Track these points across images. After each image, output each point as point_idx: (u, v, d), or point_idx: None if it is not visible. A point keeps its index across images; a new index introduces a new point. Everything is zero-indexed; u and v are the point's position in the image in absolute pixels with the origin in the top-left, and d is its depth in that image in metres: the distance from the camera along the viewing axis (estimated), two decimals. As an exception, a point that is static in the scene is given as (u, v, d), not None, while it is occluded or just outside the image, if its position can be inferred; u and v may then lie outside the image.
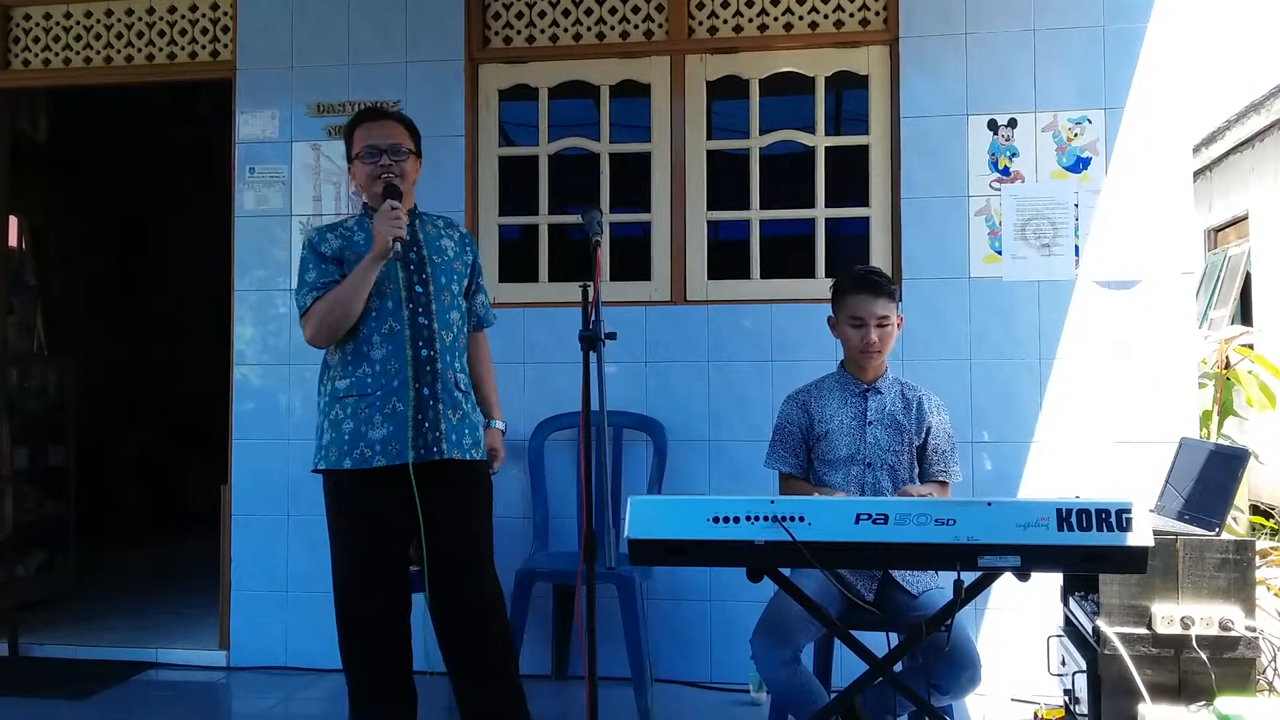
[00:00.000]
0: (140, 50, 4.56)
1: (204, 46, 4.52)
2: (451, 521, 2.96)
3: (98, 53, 4.58)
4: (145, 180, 7.97)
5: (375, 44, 4.30)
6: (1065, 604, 3.16)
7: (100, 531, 6.54)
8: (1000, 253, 3.95)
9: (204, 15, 4.51)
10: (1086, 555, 2.13)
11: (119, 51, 4.57)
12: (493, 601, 3.04)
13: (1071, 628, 3.08)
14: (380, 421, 2.89)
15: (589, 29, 4.30)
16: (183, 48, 4.53)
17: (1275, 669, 2.84)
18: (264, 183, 4.35)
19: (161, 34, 4.54)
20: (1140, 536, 2.11)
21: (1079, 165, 3.92)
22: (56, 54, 4.61)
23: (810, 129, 4.19)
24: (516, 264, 4.35)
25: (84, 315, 7.28)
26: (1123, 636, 2.70)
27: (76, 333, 6.76)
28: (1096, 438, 3.86)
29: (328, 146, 4.30)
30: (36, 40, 4.62)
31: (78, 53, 4.60)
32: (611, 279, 4.21)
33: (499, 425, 3.21)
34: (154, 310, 8.30)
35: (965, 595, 2.24)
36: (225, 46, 4.48)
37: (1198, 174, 8.57)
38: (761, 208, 4.20)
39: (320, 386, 3.03)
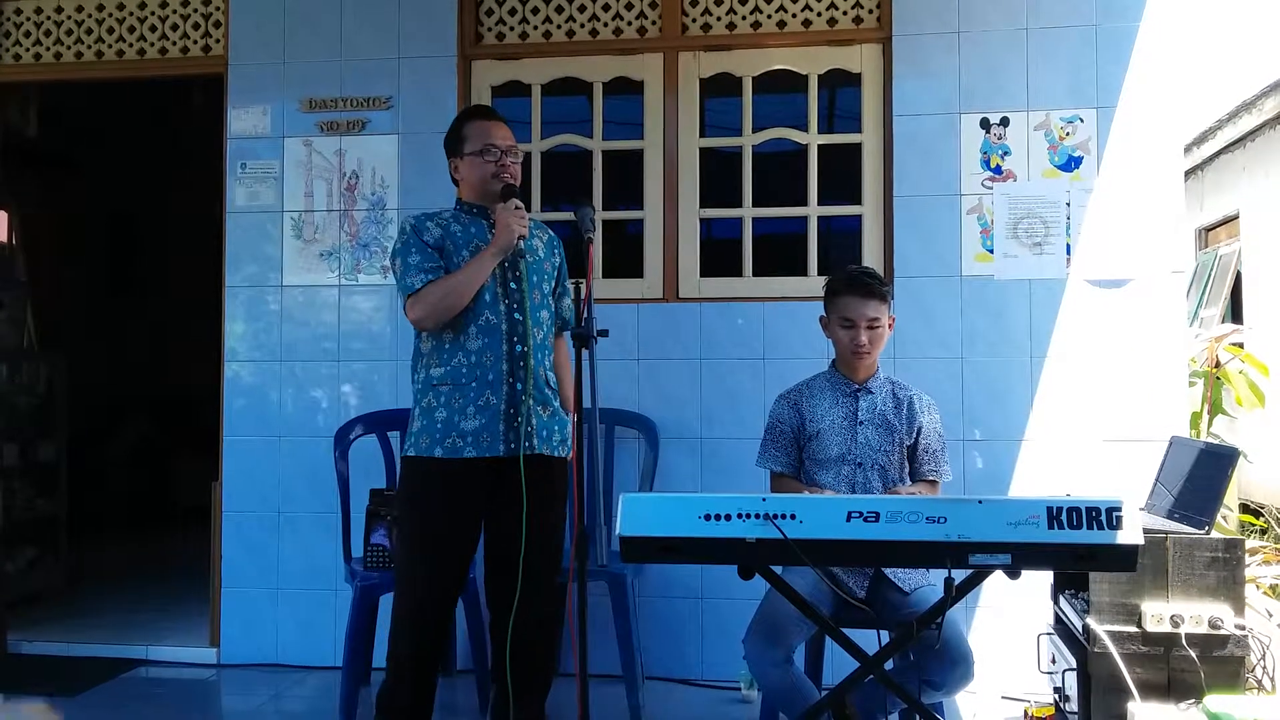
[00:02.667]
0: (131, 45, 4.54)
1: (195, 41, 4.50)
2: (535, 518, 2.95)
3: (88, 47, 4.56)
4: (137, 175, 7.95)
5: (368, 40, 4.29)
6: (1055, 602, 3.17)
7: (90, 528, 6.52)
8: (992, 251, 3.96)
9: (196, 10, 4.50)
10: (1077, 553, 2.14)
11: (110, 46, 4.55)
12: (556, 596, 3.05)
13: (1062, 626, 3.09)
14: (474, 413, 2.91)
15: (582, 25, 4.29)
16: (174, 43, 4.51)
17: (1264, 667, 2.85)
18: (255, 179, 4.34)
19: (153, 29, 4.52)
20: (1130, 535, 2.12)
21: (1071, 164, 3.93)
22: (47, 49, 4.59)
23: (803, 127, 4.19)
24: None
25: (75, 311, 7.26)
26: (1113, 634, 2.71)
27: (67, 328, 6.74)
28: (1087, 436, 3.87)
29: (319, 142, 4.29)
30: (27, 35, 4.60)
31: (68, 47, 4.58)
32: (604, 276, 4.21)
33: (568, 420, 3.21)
34: (145, 306, 8.27)
35: (956, 593, 2.24)
36: (217, 42, 4.47)
37: (1189, 173, 8.60)
38: (754, 205, 4.20)
39: (414, 374, 3.04)
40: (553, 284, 3.15)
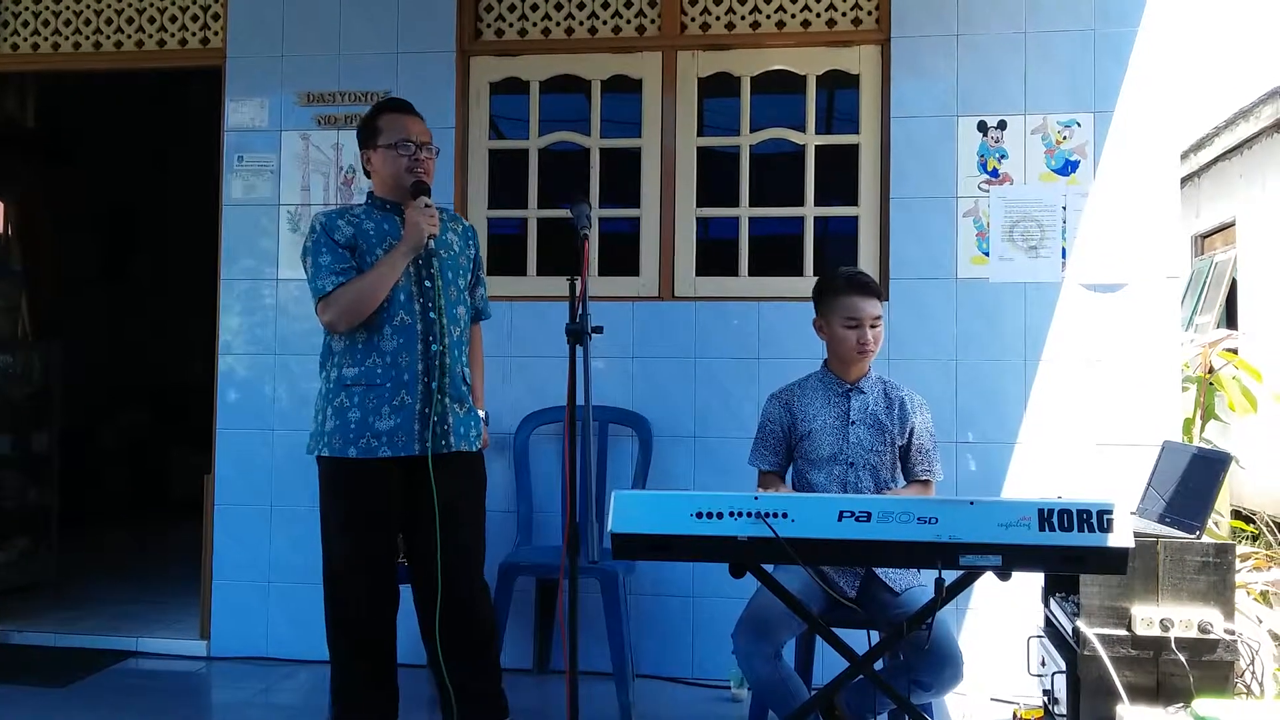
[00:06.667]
0: (130, 36, 4.53)
1: (194, 34, 4.50)
2: (454, 512, 2.96)
3: (87, 38, 4.56)
4: (134, 167, 7.94)
5: (366, 34, 4.28)
6: (1046, 605, 3.17)
7: (83, 519, 6.52)
8: (988, 254, 3.96)
9: (194, 2, 4.49)
10: (1067, 555, 2.14)
11: (108, 37, 4.55)
12: (484, 591, 3.08)
13: (1052, 628, 3.10)
14: (388, 413, 2.90)
15: (581, 23, 4.29)
16: (172, 34, 4.51)
17: (1253, 672, 2.86)
18: (252, 171, 4.34)
19: (151, 20, 4.51)
20: (1121, 538, 2.12)
21: (1067, 168, 3.94)
22: (45, 39, 4.58)
23: (801, 127, 4.19)
24: (505, 257, 4.34)
25: (70, 301, 7.25)
26: (1102, 638, 2.71)
27: (62, 319, 6.73)
28: (1080, 439, 3.87)
29: (317, 136, 4.29)
30: (26, 25, 4.59)
31: (67, 38, 4.57)
32: (600, 274, 4.21)
33: (481, 414, 3.22)
34: (140, 297, 8.27)
35: (946, 594, 2.24)
36: (215, 34, 4.46)
37: (1186, 180, 8.60)
38: (751, 205, 4.21)
39: (323, 372, 3.01)
40: (468, 276, 3.14)
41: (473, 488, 3.07)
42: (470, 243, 3.17)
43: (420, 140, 3.01)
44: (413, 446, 2.91)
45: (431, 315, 2.95)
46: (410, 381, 2.91)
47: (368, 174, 3.10)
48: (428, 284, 2.97)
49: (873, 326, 3.04)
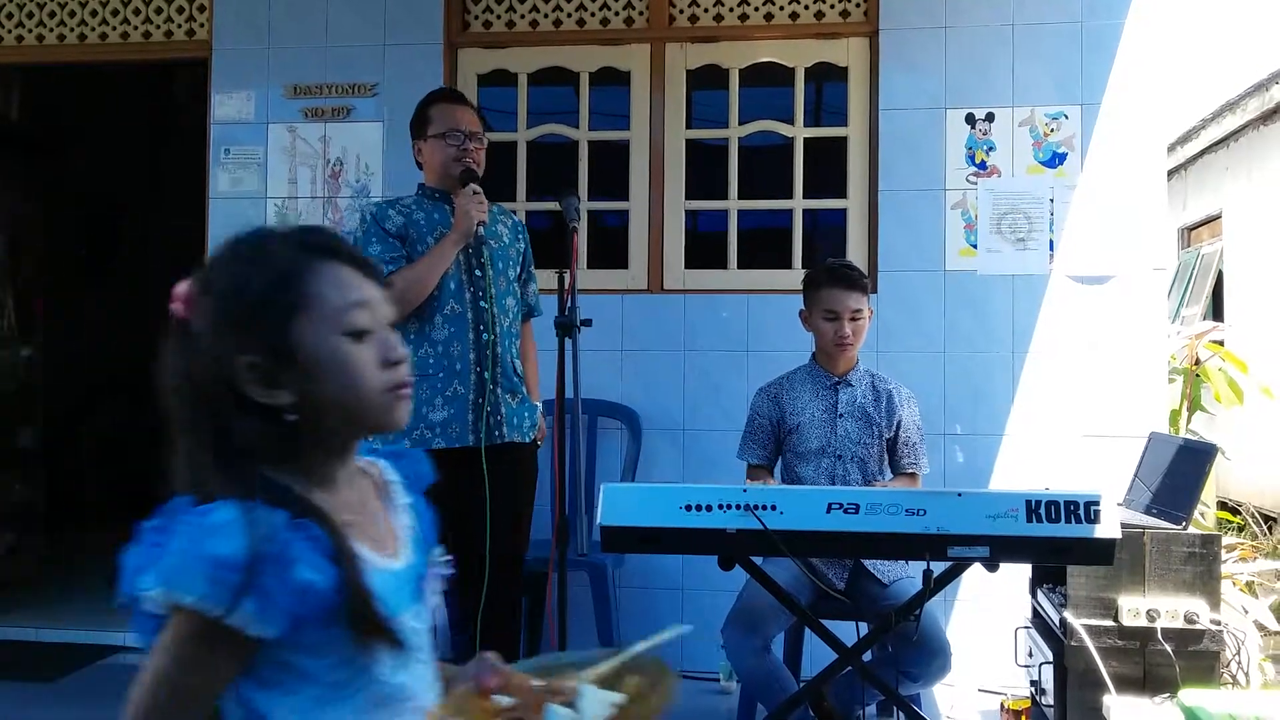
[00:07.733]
0: (115, 29, 4.50)
1: (180, 25, 4.47)
2: (506, 504, 2.95)
3: (71, 30, 4.52)
4: (119, 161, 7.89)
5: (353, 26, 4.26)
6: (1033, 596, 3.19)
7: (69, 514, 6.48)
8: (975, 246, 3.97)
9: (180, -6, 4.47)
10: (1054, 546, 2.15)
11: (93, 29, 4.51)
12: (521, 587, 3.08)
13: (1039, 619, 3.11)
14: (441, 404, 2.89)
15: (569, 15, 4.28)
16: (158, 26, 4.48)
17: (1239, 662, 2.88)
18: (239, 164, 4.31)
19: (137, 12, 4.48)
20: (1108, 529, 2.13)
21: (1055, 160, 3.94)
22: (30, 30, 4.55)
23: (789, 120, 4.19)
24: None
25: (55, 296, 7.20)
26: (1089, 628, 2.72)
27: (47, 314, 6.69)
28: (1067, 431, 3.89)
29: (304, 129, 4.27)
30: (10, 16, 4.55)
31: (51, 30, 4.54)
32: (588, 267, 4.19)
33: (538, 405, 3.21)
34: (128, 292, 8.22)
35: (935, 585, 2.25)
36: (201, 26, 4.43)
37: (1172, 172, 8.63)
38: (739, 198, 4.21)
39: None
40: (518, 270, 3.13)
41: (525, 480, 3.05)
42: (520, 236, 3.16)
43: (470, 130, 3.02)
44: (466, 437, 2.89)
45: (483, 304, 2.94)
46: (463, 371, 2.90)
47: (419, 165, 3.11)
48: (478, 273, 2.97)
49: (853, 319, 3.04)
